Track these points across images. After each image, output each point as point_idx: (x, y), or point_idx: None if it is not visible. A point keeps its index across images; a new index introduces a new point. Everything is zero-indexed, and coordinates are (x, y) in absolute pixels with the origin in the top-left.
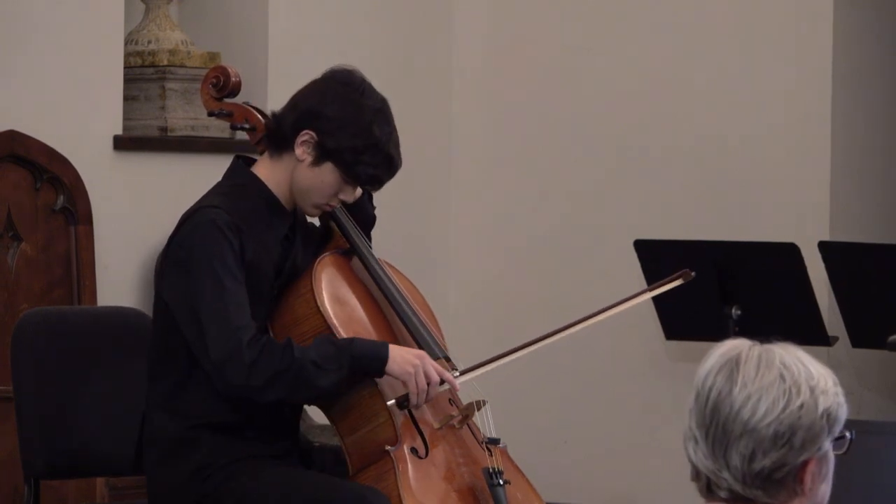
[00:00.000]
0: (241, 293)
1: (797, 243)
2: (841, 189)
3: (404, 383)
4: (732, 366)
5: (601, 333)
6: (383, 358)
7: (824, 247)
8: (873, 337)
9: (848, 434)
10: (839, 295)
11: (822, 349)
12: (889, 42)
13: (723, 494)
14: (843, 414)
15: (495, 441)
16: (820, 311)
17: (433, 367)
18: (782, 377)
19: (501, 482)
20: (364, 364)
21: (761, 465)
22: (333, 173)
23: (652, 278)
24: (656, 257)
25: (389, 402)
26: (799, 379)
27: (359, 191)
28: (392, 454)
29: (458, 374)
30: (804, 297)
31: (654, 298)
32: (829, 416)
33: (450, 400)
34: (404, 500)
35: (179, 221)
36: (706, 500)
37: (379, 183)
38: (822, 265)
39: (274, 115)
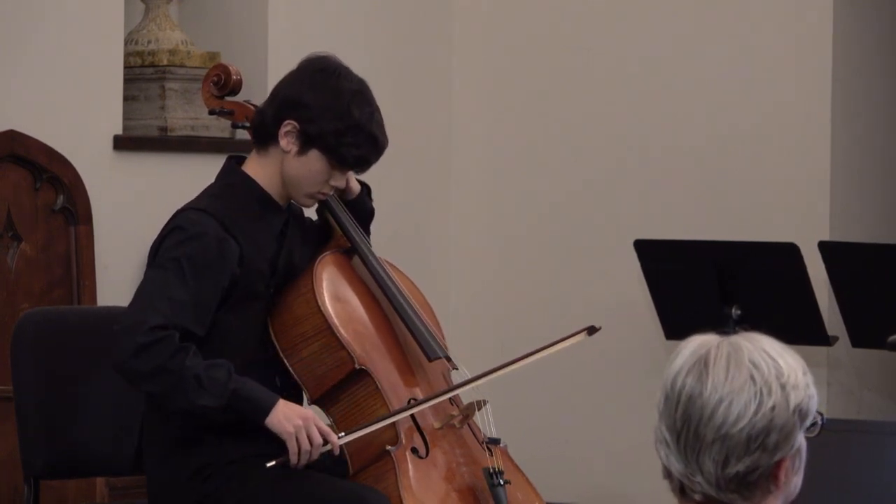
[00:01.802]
0: (185, 293)
1: (797, 243)
2: (841, 189)
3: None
4: (702, 367)
5: (601, 333)
6: (265, 409)
7: (824, 247)
8: (873, 337)
9: (819, 419)
10: (839, 295)
11: (822, 349)
12: (889, 42)
13: (697, 497)
14: (814, 405)
15: (496, 441)
16: (820, 311)
17: (316, 429)
18: (752, 378)
19: (502, 482)
20: (243, 406)
21: (735, 470)
22: (320, 160)
23: (652, 278)
24: (656, 257)
25: (269, 464)
26: (769, 378)
27: (355, 184)
28: (393, 454)
29: (343, 434)
30: (804, 296)
31: (655, 298)
32: (800, 412)
33: (451, 400)
34: (404, 500)
35: (167, 222)
36: (679, 500)
37: (366, 163)
38: (822, 265)
39: (257, 109)
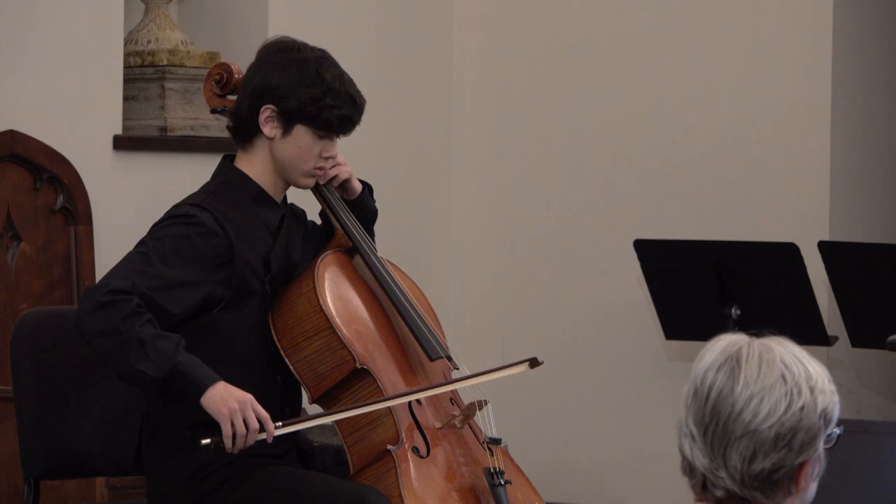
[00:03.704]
0: (162, 269)
1: (797, 243)
2: (841, 189)
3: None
4: (734, 363)
5: (601, 333)
6: (201, 387)
7: (824, 247)
8: (873, 337)
9: (837, 430)
10: (839, 295)
11: (822, 349)
12: (889, 42)
13: (719, 493)
14: (837, 413)
15: (497, 441)
16: (820, 311)
17: (254, 414)
18: (784, 378)
19: (502, 482)
20: (181, 382)
21: (761, 467)
22: (307, 133)
23: (652, 278)
24: (656, 257)
25: (204, 442)
26: (800, 380)
27: (357, 183)
28: (394, 453)
29: (280, 424)
30: (804, 296)
31: (655, 298)
32: (825, 416)
33: (451, 399)
34: (405, 500)
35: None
36: (698, 497)
37: (350, 122)
38: (821, 265)
39: (229, 111)
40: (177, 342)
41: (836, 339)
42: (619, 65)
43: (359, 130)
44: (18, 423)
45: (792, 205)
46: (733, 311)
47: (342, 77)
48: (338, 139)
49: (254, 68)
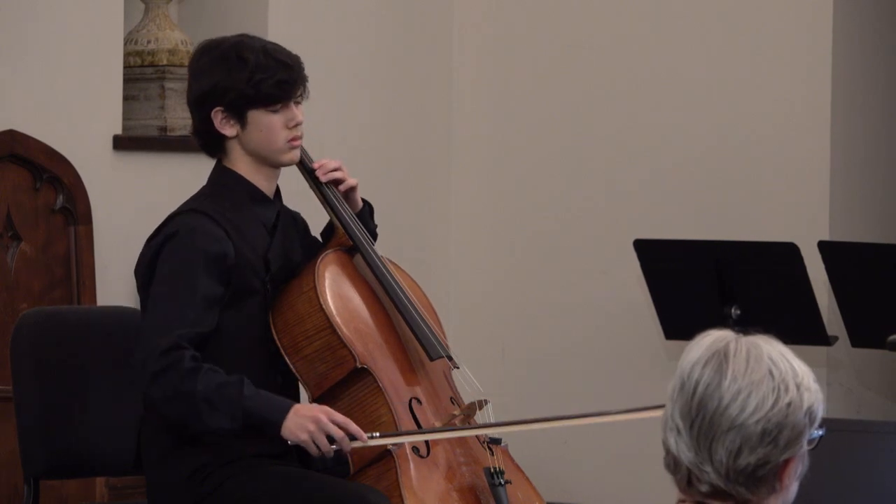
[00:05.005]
0: (190, 298)
1: (797, 243)
2: (840, 189)
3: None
4: (721, 358)
5: (601, 333)
6: (276, 424)
7: (824, 246)
8: (873, 336)
9: (820, 432)
10: (839, 294)
11: (822, 349)
12: (889, 42)
13: (703, 488)
14: (821, 412)
15: (497, 441)
16: (819, 311)
17: (333, 425)
18: (771, 374)
19: (503, 482)
20: (256, 422)
21: (746, 462)
22: (261, 114)
23: (652, 278)
24: (656, 257)
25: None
26: (787, 376)
27: (358, 200)
28: (394, 453)
29: (377, 435)
30: (804, 296)
31: (654, 298)
32: (811, 414)
33: (451, 399)
34: (405, 500)
35: (160, 224)
36: (682, 493)
37: (291, 84)
38: (821, 265)
39: (192, 131)
40: (239, 386)
41: (835, 338)
42: (619, 65)
43: (359, 130)
44: (18, 423)
45: (792, 205)
46: (733, 310)
47: (265, 49)
48: (298, 105)
49: (188, 82)
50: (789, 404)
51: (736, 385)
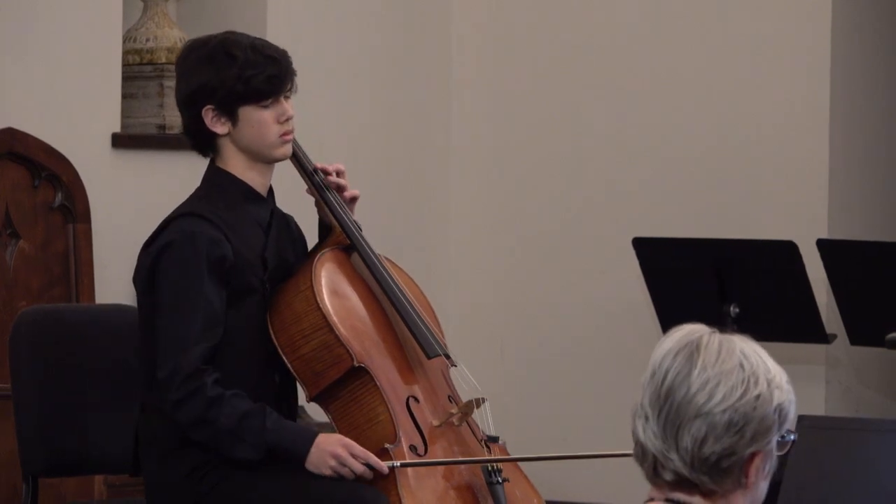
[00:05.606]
0: (200, 311)
1: (795, 241)
2: (839, 187)
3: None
4: (693, 349)
5: (601, 333)
6: (300, 456)
7: (823, 245)
8: (872, 335)
9: (792, 436)
10: (837, 293)
11: (821, 347)
12: (889, 41)
13: (668, 477)
14: (793, 413)
15: (494, 439)
16: (818, 309)
17: (352, 458)
18: (742, 366)
19: (500, 480)
20: (280, 453)
21: (711, 450)
22: (251, 110)
23: (651, 276)
24: (655, 255)
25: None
26: (758, 370)
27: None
28: (391, 452)
29: (397, 464)
30: (802, 294)
31: (653, 296)
32: (781, 412)
33: (449, 397)
34: (403, 498)
35: (156, 229)
36: (651, 483)
37: (280, 79)
38: (820, 263)
39: (183, 130)
40: (262, 418)
41: (834, 336)
42: (619, 65)
43: (359, 130)
44: (17, 422)
45: (791, 203)
46: (732, 309)
47: (252, 45)
48: (288, 99)
49: (177, 82)
50: (758, 397)
51: (705, 374)
